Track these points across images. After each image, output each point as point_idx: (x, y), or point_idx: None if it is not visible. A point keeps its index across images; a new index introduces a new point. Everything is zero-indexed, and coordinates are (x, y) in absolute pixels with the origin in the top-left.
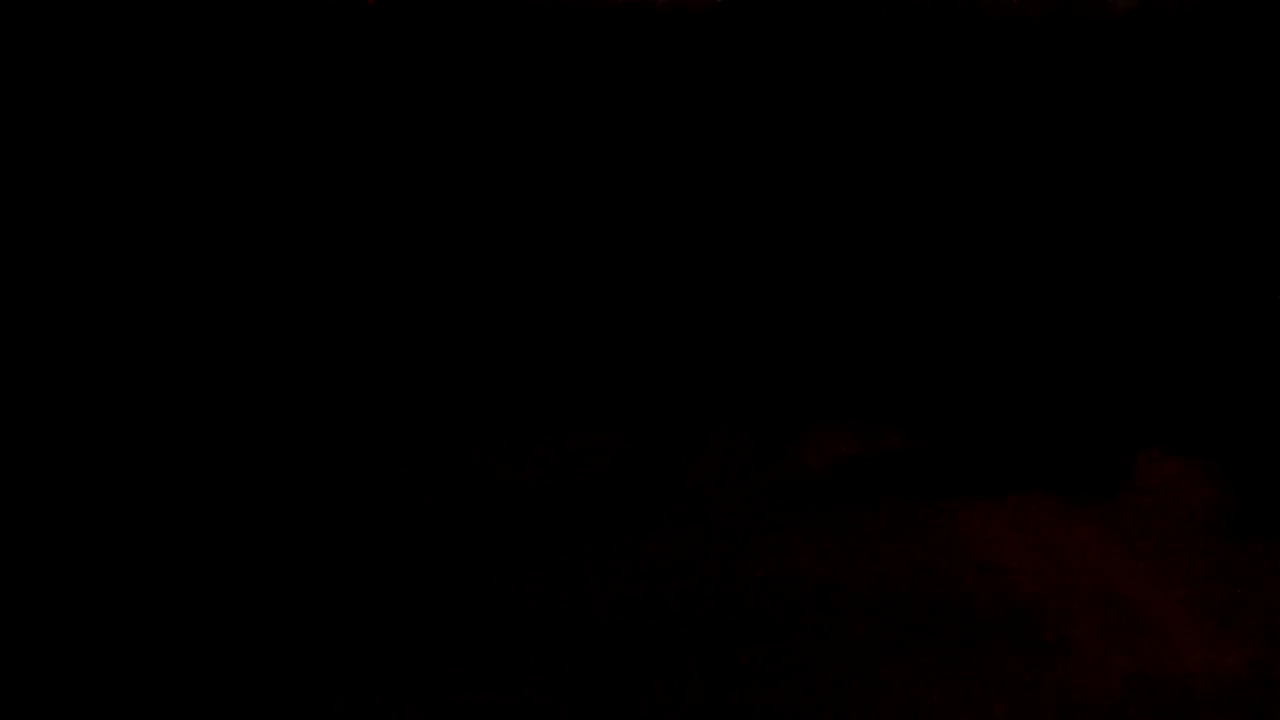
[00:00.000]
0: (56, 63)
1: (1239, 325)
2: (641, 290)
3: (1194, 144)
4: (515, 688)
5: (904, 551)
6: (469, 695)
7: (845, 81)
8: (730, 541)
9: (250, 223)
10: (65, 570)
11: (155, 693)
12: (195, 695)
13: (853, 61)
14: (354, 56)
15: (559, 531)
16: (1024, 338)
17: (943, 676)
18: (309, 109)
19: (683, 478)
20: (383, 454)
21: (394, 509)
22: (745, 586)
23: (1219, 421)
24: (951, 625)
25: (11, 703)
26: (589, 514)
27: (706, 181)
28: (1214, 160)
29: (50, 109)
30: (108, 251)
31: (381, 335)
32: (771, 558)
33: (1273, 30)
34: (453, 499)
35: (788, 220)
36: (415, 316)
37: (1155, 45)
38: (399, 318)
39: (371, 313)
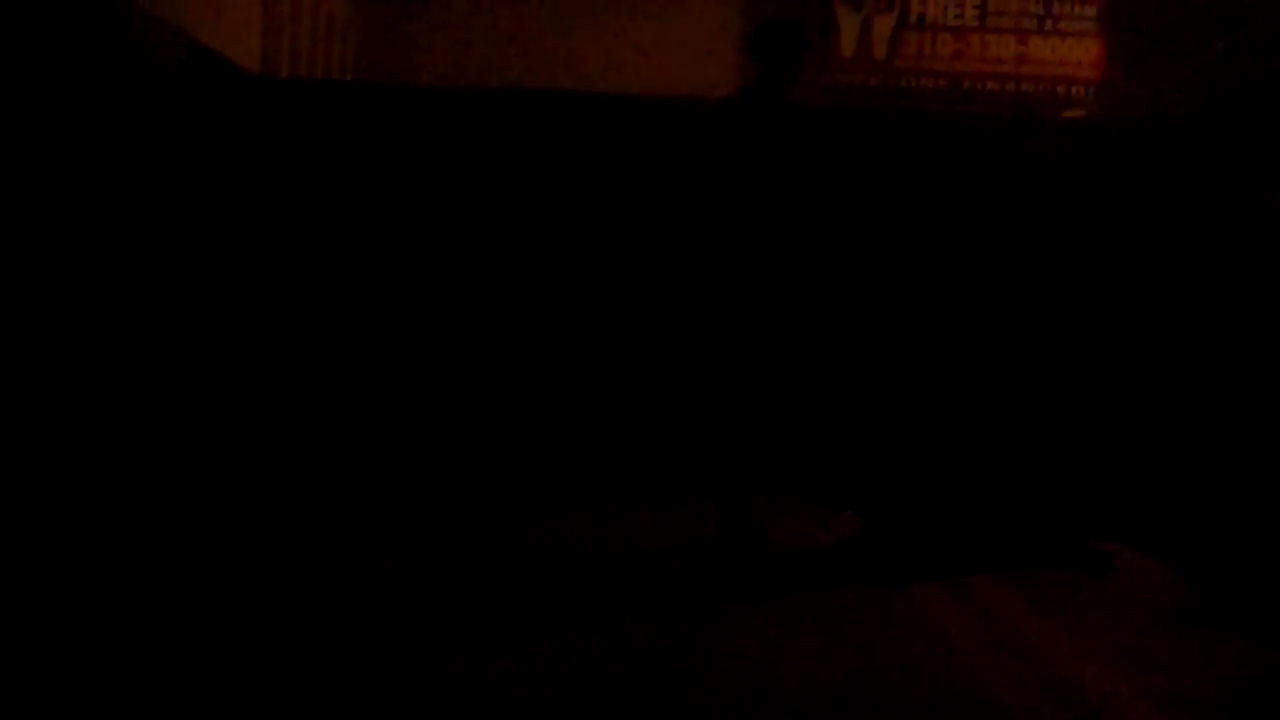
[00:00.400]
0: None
1: (1199, 427)
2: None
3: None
4: None
5: (867, 637)
6: None
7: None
8: (697, 626)
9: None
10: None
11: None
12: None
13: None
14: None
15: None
16: (987, 429)
17: None
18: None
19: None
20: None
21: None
22: (717, 671)
23: (1177, 520)
24: (914, 710)
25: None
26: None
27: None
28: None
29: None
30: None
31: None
32: (737, 643)
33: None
34: None
35: (751, 302)
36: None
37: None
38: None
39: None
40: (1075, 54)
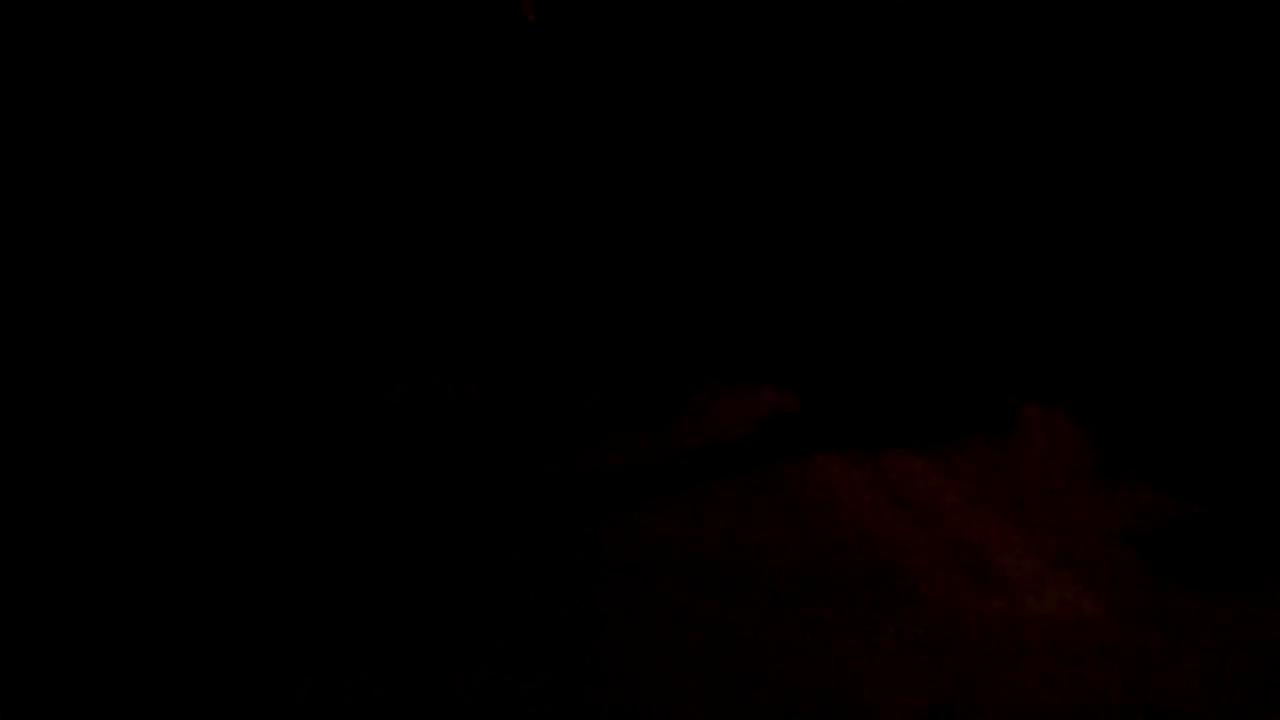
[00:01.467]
0: None
1: (1104, 278)
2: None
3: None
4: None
5: (769, 509)
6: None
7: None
8: (604, 501)
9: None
10: None
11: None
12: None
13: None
14: None
15: (443, 483)
16: (891, 293)
17: (796, 626)
18: None
19: (560, 437)
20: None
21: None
22: (614, 543)
23: (1088, 375)
24: (810, 580)
25: None
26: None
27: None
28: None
29: None
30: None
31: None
32: (645, 517)
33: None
34: None
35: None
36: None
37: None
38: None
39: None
40: None
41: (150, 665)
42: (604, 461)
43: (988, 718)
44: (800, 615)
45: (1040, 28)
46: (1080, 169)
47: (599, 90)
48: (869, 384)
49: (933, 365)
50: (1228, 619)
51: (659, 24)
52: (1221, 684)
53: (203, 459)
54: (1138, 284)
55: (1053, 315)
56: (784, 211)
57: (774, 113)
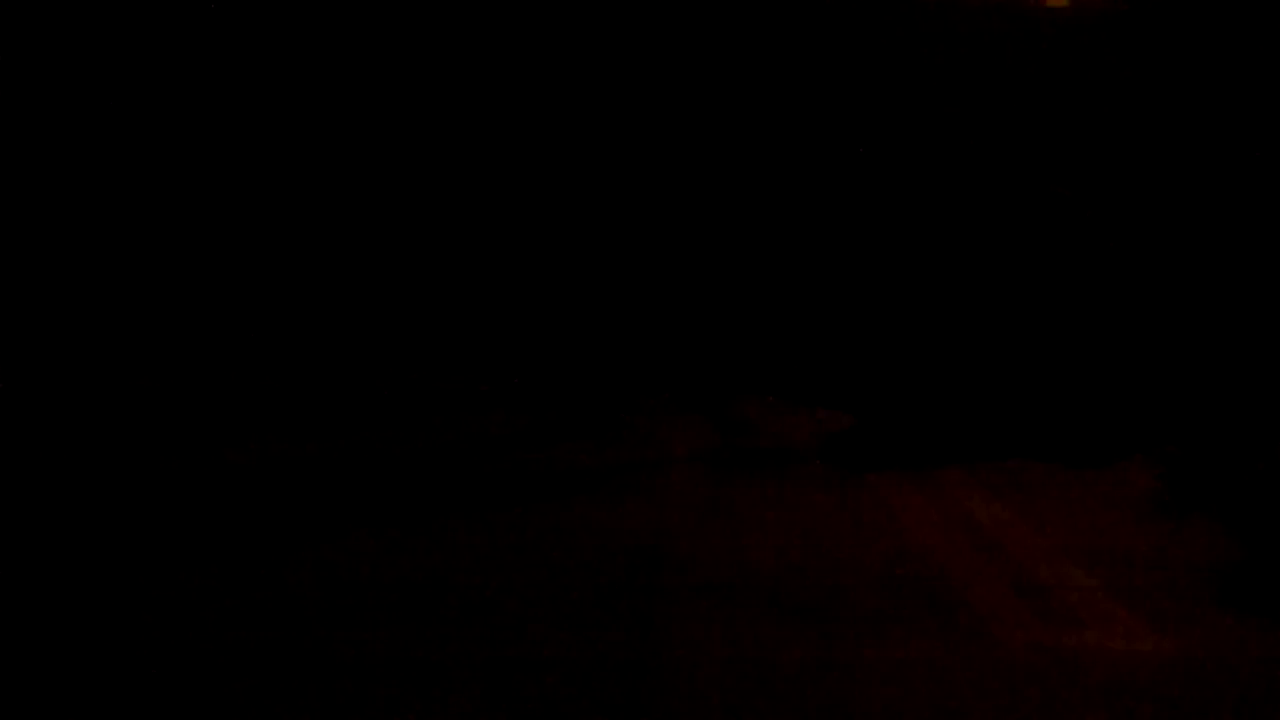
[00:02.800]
0: None
1: (1182, 319)
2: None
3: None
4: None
5: (834, 529)
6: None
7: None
8: (677, 514)
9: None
10: None
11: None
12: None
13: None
14: None
15: (514, 498)
16: (961, 316)
17: (859, 646)
18: None
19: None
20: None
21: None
22: (683, 557)
23: (1160, 414)
24: (871, 599)
25: None
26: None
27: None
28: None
29: None
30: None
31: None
32: (709, 529)
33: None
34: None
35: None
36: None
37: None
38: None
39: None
40: None
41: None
42: (670, 481)
43: None
44: (866, 627)
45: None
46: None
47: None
48: (932, 408)
49: (1004, 391)
50: None
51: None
52: None
53: None
54: (1213, 329)
55: (1129, 355)
56: (850, 233)
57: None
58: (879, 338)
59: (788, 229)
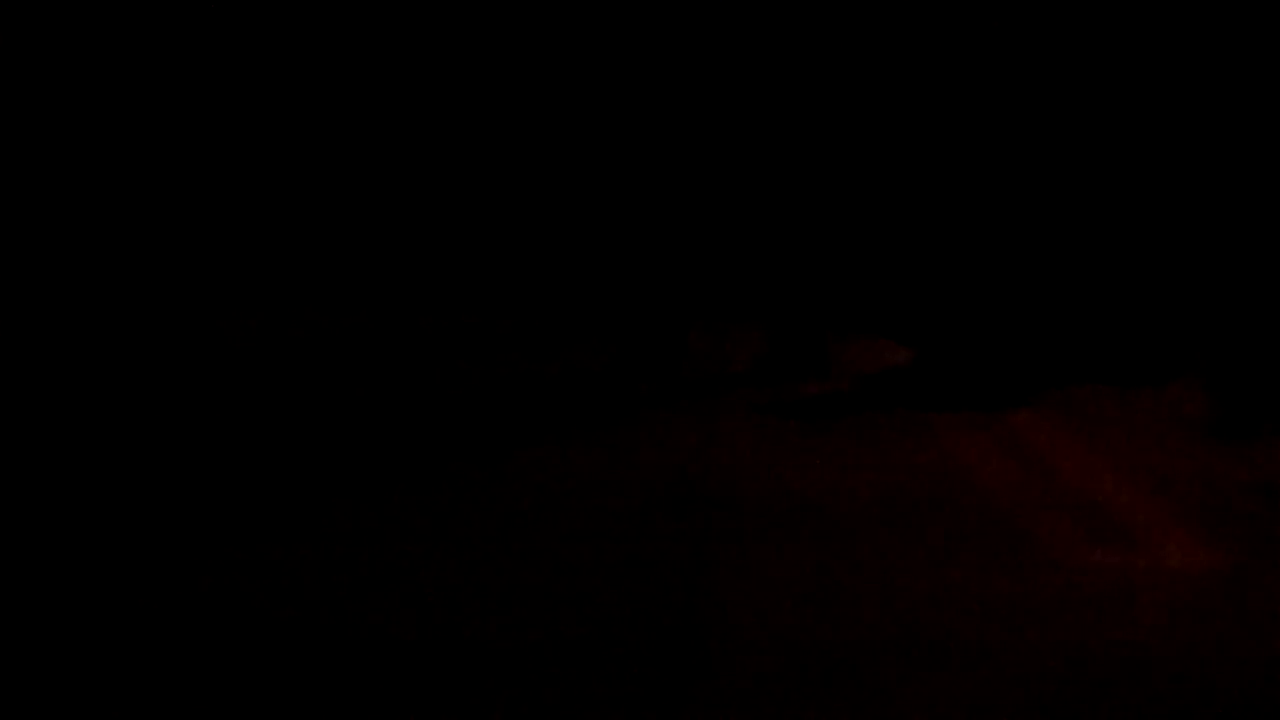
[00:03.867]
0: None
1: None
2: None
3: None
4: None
5: (890, 462)
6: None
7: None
8: (723, 446)
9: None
10: None
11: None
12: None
13: None
14: None
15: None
16: (1010, 248)
17: (921, 575)
18: None
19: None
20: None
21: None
22: (732, 488)
23: (1206, 336)
24: (930, 529)
25: None
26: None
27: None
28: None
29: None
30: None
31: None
32: (763, 461)
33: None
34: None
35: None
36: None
37: None
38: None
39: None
40: None
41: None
42: (737, 408)
43: (1101, 666)
44: (910, 563)
45: None
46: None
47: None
48: (986, 338)
49: (1053, 319)
50: None
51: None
52: None
53: None
54: (1266, 247)
55: (1176, 277)
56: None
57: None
58: (936, 271)
59: (846, 159)
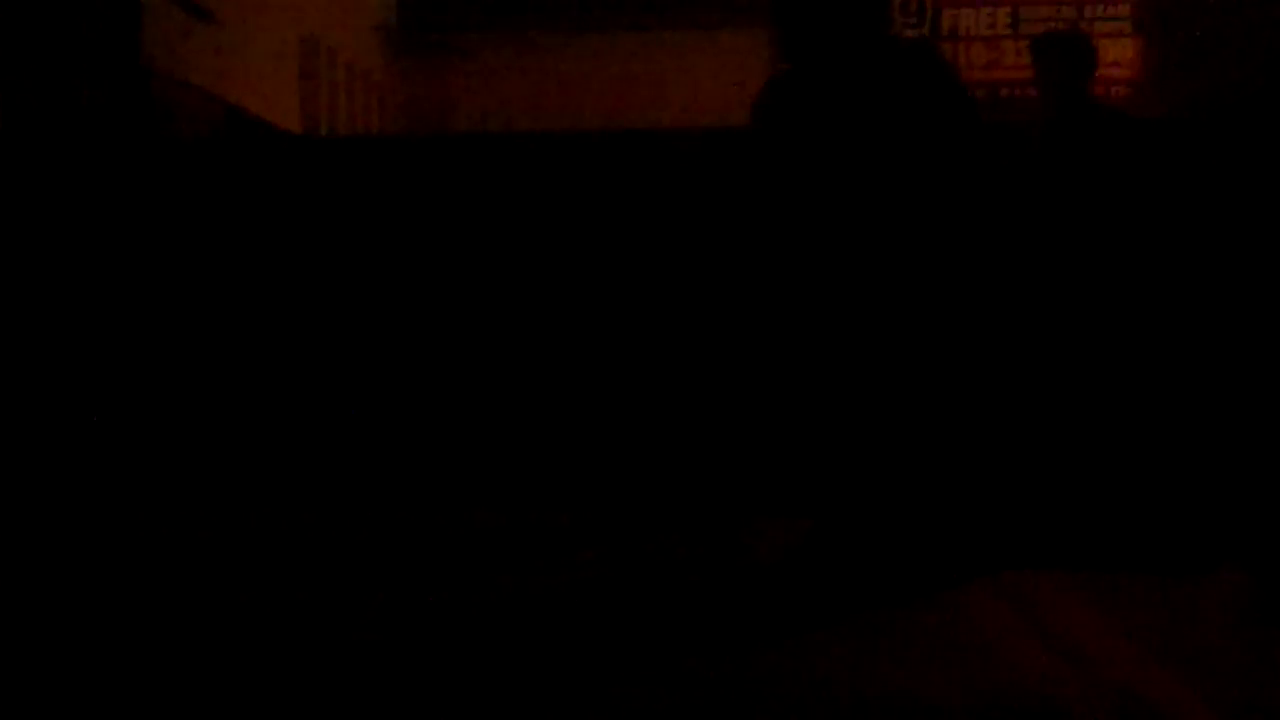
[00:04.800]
0: None
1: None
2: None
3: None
4: None
5: (907, 651)
6: None
7: None
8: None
9: None
10: None
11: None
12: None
13: None
14: None
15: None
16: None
17: None
18: None
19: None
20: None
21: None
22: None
23: (1247, 519)
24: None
25: None
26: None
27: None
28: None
29: None
30: None
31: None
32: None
33: None
34: None
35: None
36: None
37: None
38: None
39: None
40: (1111, 55)
41: None
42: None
43: None
44: None
45: None
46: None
47: None
48: (1016, 506)
49: (1097, 493)
50: None
51: None
52: None
53: None
54: None
55: (1215, 459)
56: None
57: None
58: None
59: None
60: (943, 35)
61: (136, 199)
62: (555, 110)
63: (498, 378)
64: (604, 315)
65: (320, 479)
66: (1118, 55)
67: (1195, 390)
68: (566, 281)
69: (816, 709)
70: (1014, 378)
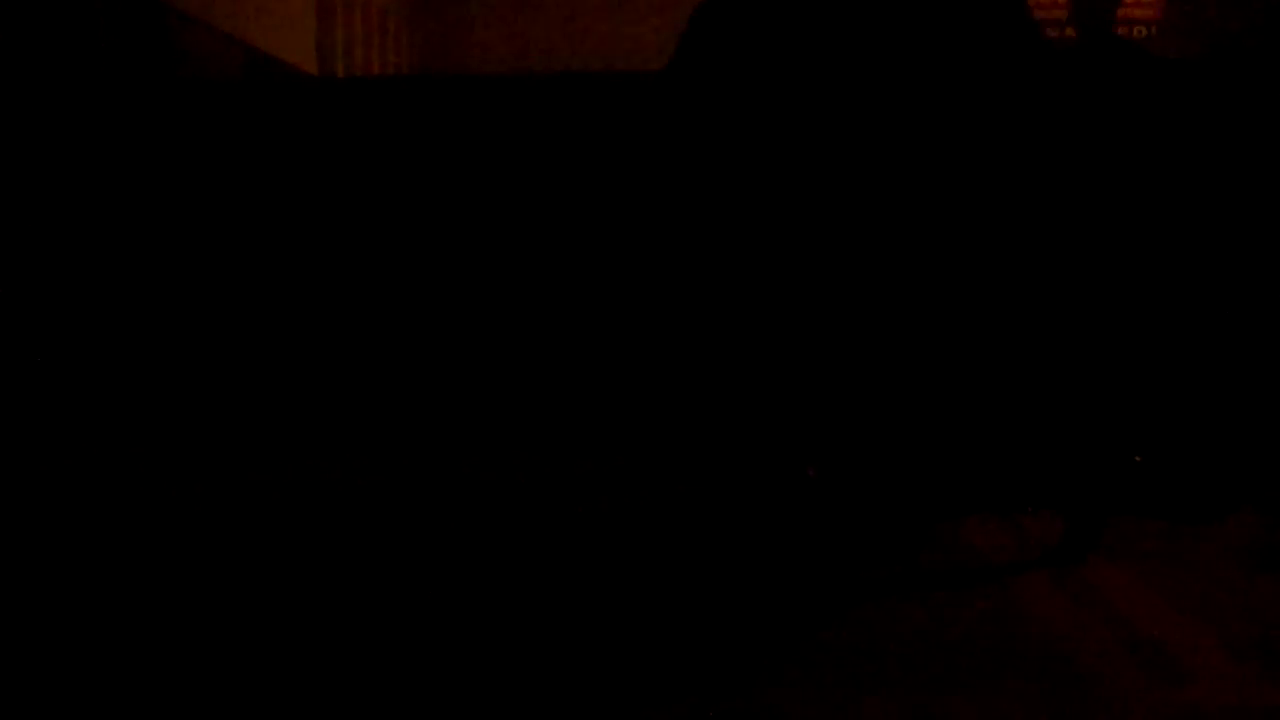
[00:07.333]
0: None
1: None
2: None
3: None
4: None
5: (932, 594)
6: None
7: None
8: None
9: None
10: None
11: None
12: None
13: None
14: None
15: None
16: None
17: (978, 714)
18: None
19: None
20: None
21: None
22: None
23: (1260, 466)
24: (984, 667)
25: None
26: None
27: None
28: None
29: None
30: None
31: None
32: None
33: None
34: None
35: None
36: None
37: None
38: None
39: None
40: None
41: None
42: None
43: None
44: (984, 696)
45: None
46: None
47: None
48: (1040, 478)
49: (1108, 444)
50: None
51: None
52: None
53: None
54: None
55: (1225, 410)
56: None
57: None
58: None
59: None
60: None
61: (154, 137)
62: (568, 54)
63: (515, 309)
64: (612, 250)
65: (340, 415)
66: None
67: (1204, 336)
68: (580, 218)
69: (845, 635)
70: (1023, 318)
